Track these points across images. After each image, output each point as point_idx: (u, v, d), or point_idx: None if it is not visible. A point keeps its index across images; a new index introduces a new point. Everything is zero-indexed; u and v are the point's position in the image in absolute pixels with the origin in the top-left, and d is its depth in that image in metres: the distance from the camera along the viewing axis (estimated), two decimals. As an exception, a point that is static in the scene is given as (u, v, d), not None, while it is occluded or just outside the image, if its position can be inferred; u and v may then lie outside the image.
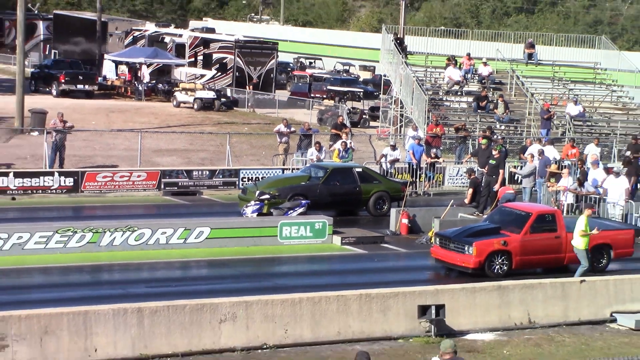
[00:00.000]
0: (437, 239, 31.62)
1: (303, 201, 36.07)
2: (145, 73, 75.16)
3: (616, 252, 32.16)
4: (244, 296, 24.42)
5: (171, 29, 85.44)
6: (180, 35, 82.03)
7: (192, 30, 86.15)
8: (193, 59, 78.73)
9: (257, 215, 35.15)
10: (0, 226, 31.74)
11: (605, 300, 27.84)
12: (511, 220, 31.54)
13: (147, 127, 55.71)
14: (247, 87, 75.22)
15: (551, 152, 44.17)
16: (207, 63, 77.96)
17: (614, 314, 27.55)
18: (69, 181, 40.68)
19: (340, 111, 62.93)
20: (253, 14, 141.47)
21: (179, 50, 79.77)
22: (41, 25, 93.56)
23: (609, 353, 24.23)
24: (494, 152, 40.40)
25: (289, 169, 44.09)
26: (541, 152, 43.05)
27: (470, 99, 57.55)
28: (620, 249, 32.27)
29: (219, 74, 76.72)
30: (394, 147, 44.88)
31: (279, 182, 38.72)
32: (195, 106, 68.09)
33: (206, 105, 68.18)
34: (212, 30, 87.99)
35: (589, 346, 25.25)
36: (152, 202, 40.84)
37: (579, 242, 29.78)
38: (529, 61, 61.56)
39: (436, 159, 45.82)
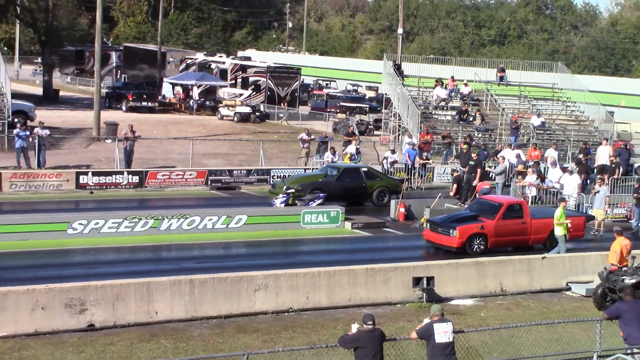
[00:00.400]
0: (428, 224, 31.62)
1: (321, 194, 36.04)
2: (196, 93, 75.24)
3: (570, 235, 31.90)
4: (273, 270, 24.45)
5: (216, 58, 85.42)
6: (224, 63, 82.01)
7: (233, 58, 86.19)
8: (233, 81, 78.71)
9: (284, 205, 35.11)
10: (81, 214, 31.99)
11: (562, 273, 27.76)
12: (487, 209, 31.50)
13: (197, 135, 55.73)
14: (282, 104, 75.24)
15: (517, 154, 44.09)
16: (245, 84, 77.95)
17: (569, 284, 27.49)
18: (136, 179, 40.79)
19: (350, 122, 62.87)
20: (281, 46, 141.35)
21: (223, 74, 79.74)
22: (114, 55, 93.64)
23: (565, 315, 24.22)
24: (473, 155, 40.47)
25: (310, 168, 44.01)
26: (518, 155, 43.18)
27: (454, 113, 57.44)
28: (574, 232, 32.03)
29: (254, 93, 76.68)
30: (393, 151, 44.84)
31: (302, 179, 38.66)
32: (235, 119, 68.04)
33: (244, 118, 68.10)
34: (248, 59, 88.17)
35: (549, 309, 25.20)
36: (201, 195, 40.81)
37: (558, 230, 29.81)
38: (500, 82, 61.40)
39: (427, 161, 45.73)
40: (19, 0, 79.77)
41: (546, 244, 31.56)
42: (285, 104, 75.29)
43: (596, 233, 35.19)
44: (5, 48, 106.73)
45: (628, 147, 49.57)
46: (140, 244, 29.93)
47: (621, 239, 25.82)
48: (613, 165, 43.68)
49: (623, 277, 24.38)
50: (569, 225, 30.09)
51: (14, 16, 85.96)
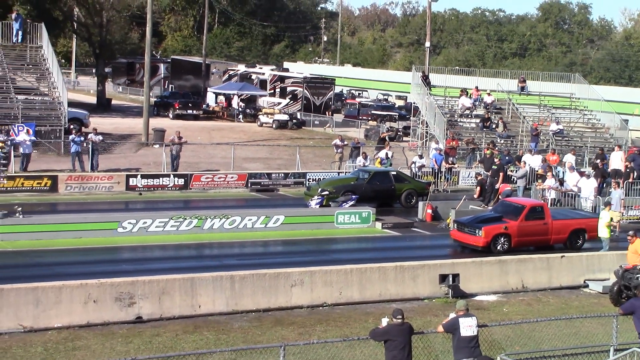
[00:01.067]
0: (455, 225, 31.50)
1: (353, 196, 35.94)
2: (237, 101, 75.30)
3: (589, 235, 31.82)
4: (309, 267, 24.36)
5: (256, 69, 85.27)
6: (263, 74, 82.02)
7: (272, 69, 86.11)
8: (272, 91, 78.69)
9: (319, 206, 35.06)
10: (131, 214, 32.08)
11: (580, 270, 27.54)
12: (510, 210, 31.30)
13: (238, 141, 55.75)
14: (327, 113, 75.09)
15: (537, 159, 43.81)
16: (283, 94, 77.88)
17: (586, 281, 27.27)
18: (181, 181, 40.90)
19: (381, 129, 62.78)
20: (317, 58, 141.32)
21: (262, 84, 79.71)
22: (162, 67, 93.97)
23: (583, 310, 23.96)
24: (495, 160, 40.34)
25: (343, 172, 43.91)
26: (544, 160, 43.15)
27: (478, 120, 57.13)
28: (592, 232, 31.83)
29: (291, 102, 76.57)
30: (421, 156, 44.73)
31: (335, 182, 38.58)
32: (274, 126, 68.12)
33: (282, 125, 68.15)
34: (286, 70, 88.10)
35: (568, 305, 24.96)
36: (242, 197, 40.81)
37: (604, 232, 29.54)
38: (521, 92, 60.99)
39: (452, 165, 45.55)
40: (75, 17, 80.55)
41: (566, 243, 31.35)
42: (330, 112, 75.15)
43: (612, 234, 34.76)
44: (63, 60, 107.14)
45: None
46: (184, 242, 29.97)
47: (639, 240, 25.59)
48: (627, 170, 43.37)
49: (638, 275, 24.16)
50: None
51: (71, 31, 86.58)
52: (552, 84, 63.22)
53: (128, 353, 18.73)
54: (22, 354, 18.72)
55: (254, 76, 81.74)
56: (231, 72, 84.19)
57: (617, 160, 44.78)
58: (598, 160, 44.79)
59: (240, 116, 72.86)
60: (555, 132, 55.61)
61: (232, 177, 42.22)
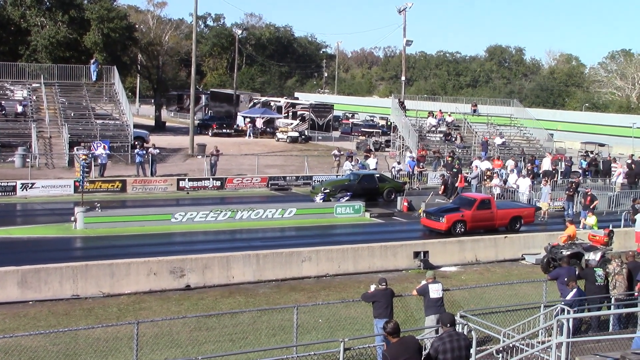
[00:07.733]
0: (424, 214, 31.38)
1: (348, 193, 35.93)
2: (259, 123, 75.24)
3: (525, 221, 31.80)
4: (315, 247, 24.35)
5: (274, 98, 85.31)
6: (279, 101, 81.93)
7: (286, 98, 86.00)
8: (286, 114, 78.61)
9: (322, 201, 35.05)
10: (180, 208, 31.96)
11: (519, 247, 27.55)
12: (466, 202, 31.27)
13: (261, 152, 55.71)
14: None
15: (486, 164, 43.75)
16: (294, 116, 77.78)
17: (523, 255, 27.25)
18: (218, 183, 40.84)
19: (368, 142, 62.69)
20: (319, 89, 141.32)
21: (279, 109, 79.62)
22: (203, 97, 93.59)
23: (521, 277, 23.97)
24: (455, 165, 40.22)
25: (340, 175, 43.85)
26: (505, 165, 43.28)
27: (441, 135, 57.08)
28: (527, 218, 31.84)
29: (301, 122, 76.37)
30: (398, 162, 44.69)
31: (334, 183, 38.52)
32: (288, 140, 68.02)
33: (293, 140, 68.03)
34: (296, 98, 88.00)
35: (510, 273, 24.95)
36: (264, 194, 40.73)
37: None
38: (474, 114, 61.03)
39: (422, 169, 45.44)
40: (139, 61, 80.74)
41: (507, 227, 31.30)
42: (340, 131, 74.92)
43: (542, 219, 34.84)
44: (129, 93, 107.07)
45: (562, 158, 49.30)
46: (221, 228, 29.98)
47: (573, 227, 25.67)
48: (553, 171, 43.31)
49: (561, 250, 24.18)
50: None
51: (135, 71, 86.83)
52: (497, 107, 63.23)
53: (180, 312, 18.75)
54: (102, 312, 18.75)
55: (272, 103, 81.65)
56: (255, 101, 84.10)
57: (547, 164, 44.81)
58: (529, 164, 44.74)
59: (258, 132, 72.62)
60: (500, 144, 55.57)
61: (256, 180, 42.19)
